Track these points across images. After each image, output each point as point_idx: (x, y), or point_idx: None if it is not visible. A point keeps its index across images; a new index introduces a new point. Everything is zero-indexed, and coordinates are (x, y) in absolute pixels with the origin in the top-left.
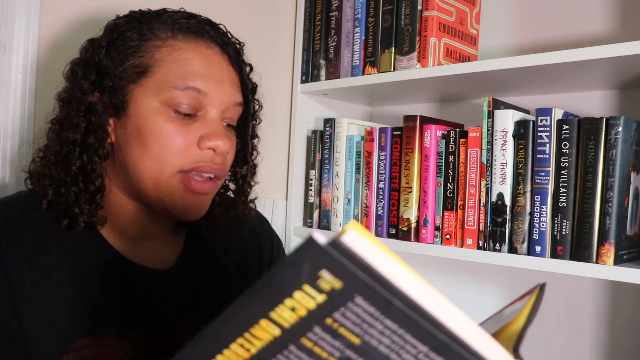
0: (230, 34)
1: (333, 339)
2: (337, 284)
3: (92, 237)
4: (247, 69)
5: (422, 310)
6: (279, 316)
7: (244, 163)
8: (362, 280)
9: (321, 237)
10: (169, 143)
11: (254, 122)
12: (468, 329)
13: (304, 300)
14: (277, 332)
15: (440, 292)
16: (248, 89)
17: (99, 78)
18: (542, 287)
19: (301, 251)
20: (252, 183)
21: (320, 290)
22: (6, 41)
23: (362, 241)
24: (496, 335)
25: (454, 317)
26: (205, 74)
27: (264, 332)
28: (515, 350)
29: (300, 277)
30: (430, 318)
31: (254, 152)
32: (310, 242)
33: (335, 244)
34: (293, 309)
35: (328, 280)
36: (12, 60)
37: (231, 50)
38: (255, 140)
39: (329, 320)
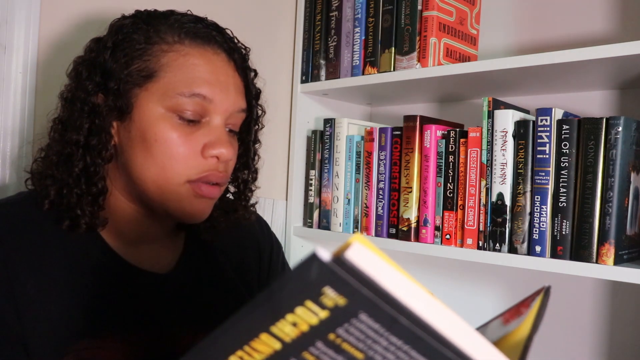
0: (237, 39)
1: (336, 354)
2: (341, 300)
3: (93, 239)
4: (252, 74)
5: (428, 327)
6: (280, 330)
7: (245, 168)
8: (367, 298)
9: (325, 254)
10: (174, 152)
11: (257, 127)
12: (477, 346)
13: (306, 315)
14: (277, 346)
15: (448, 306)
16: (252, 95)
17: (104, 80)
18: (547, 291)
19: (304, 267)
20: (253, 188)
21: (323, 307)
22: (6, 41)
23: (366, 255)
24: (501, 344)
25: (462, 333)
26: (211, 80)
27: (265, 345)
28: None
29: (303, 293)
30: (437, 335)
31: (256, 157)
32: (313, 258)
33: (340, 261)
34: (295, 324)
35: (331, 297)
36: (12, 60)
37: (237, 56)
38: (257, 145)
39: (331, 336)
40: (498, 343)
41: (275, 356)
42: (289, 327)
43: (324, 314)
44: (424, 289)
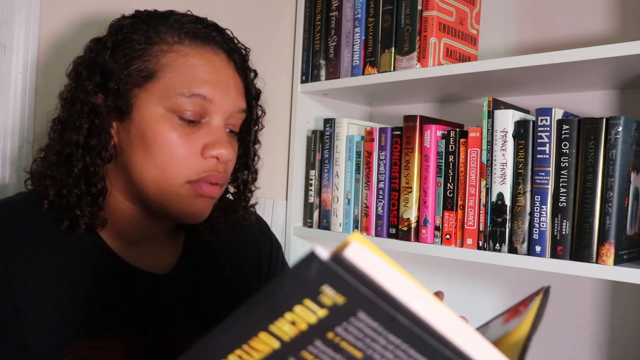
0: (237, 40)
1: (334, 353)
2: (340, 299)
3: (92, 240)
4: (252, 75)
5: (427, 326)
6: (278, 329)
7: (245, 168)
8: (365, 296)
9: (323, 252)
10: (173, 152)
11: (257, 127)
12: (475, 345)
13: (305, 314)
14: (276, 344)
15: (447, 305)
16: (252, 95)
17: (104, 80)
18: (546, 291)
19: (302, 266)
20: (252, 188)
21: (321, 305)
22: (6, 41)
23: (365, 254)
24: (500, 344)
25: (460, 332)
26: (211, 80)
27: (263, 344)
28: None
29: (301, 291)
30: (436, 334)
31: (256, 158)
32: (311, 257)
33: (338, 259)
34: (293, 323)
35: (330, 295)
36: (12, 60)
37: (237, 56)
38: (257, 146)
39: (330, 335)
40: (498, 342)
41: (274, 355)
42: (287, 326)
43: (322, 313)
44: (422, 287)
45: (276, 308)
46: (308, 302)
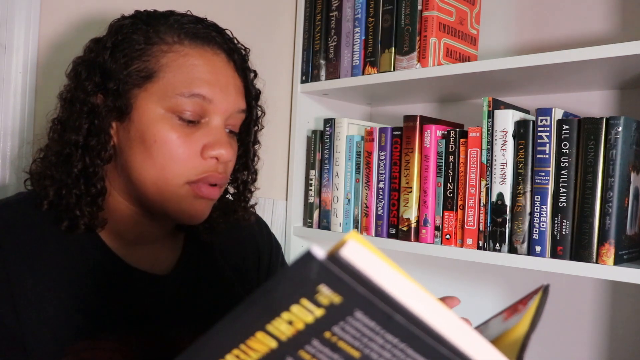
0: (237, 40)
1: (332, 352)
2: (337, 298)
3: (91, 240)
4: (252, 75)
5: (424, 325)
6: (275, 329)
7: (244, 169)
8: (362, 295)
9: (320, 252)
10: (173, 153)
11: (256, 128)
12: (472, 343)
13: (302, 314)
14: (273, 344)
15: (443, 303)
16: (252, 96)
17: (103, 80)
18: (545, 289)
19: (299, 265)
20: (252, 189)
21: (318, 305)
22: (6, 41)
23: (362, 253)
24: (499, 341)
25: (457, 330)
26: (211, 80)
27: (260, 344)
28: (519, 359)
29: (298, 291)
30: (433, 333)
31: (255, 158)
32: (308, 256)
33: (334, 258)
34: (290, 322)
35: (327, 295)
36: (12, 60)
37: (237, 56)
38: (257, 146)
39: (327, 334)
40: (497, 340)
41: (271, 355)
42: (284, 325)
43: (319, 312)
44: (419, 286)
45: (273, 308)
46: (305, 301)
